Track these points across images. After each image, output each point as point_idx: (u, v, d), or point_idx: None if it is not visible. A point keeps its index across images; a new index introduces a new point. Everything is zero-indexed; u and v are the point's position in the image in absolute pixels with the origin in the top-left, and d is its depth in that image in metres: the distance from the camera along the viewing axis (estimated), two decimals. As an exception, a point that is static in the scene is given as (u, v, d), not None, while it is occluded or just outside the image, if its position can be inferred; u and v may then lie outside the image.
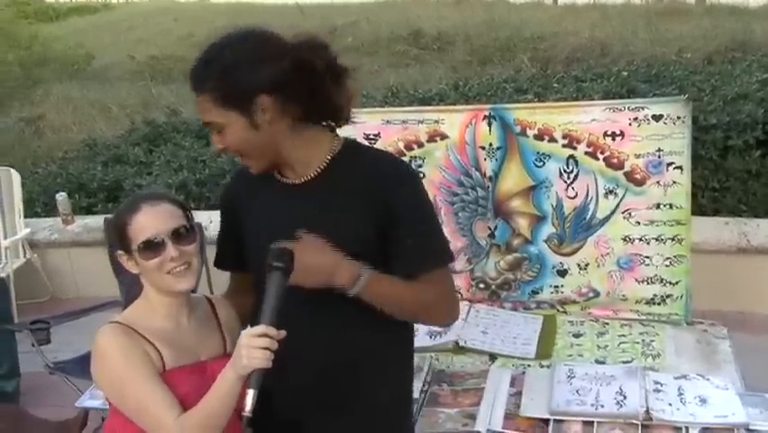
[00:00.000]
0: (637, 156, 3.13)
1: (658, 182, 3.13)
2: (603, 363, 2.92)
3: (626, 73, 6.90)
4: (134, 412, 1.86)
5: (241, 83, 1.83)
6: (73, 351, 3.94)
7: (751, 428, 2.41)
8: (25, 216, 5.83)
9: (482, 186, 3.31)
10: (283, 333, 1.72)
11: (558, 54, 9.42)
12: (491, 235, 3.36)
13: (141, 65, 11.48)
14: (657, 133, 3.09)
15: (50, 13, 17.94)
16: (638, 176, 3.15)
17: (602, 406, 2.55)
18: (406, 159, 3.31)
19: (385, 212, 1.89)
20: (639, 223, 3.19)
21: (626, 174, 3.16)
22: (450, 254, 2.04)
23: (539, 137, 3.20)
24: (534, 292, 3.37)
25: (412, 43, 10.75)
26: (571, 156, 3.19)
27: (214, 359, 1.92)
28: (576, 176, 3.21)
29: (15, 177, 5.71)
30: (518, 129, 3.21)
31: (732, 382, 2.69)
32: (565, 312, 3.33)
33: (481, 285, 3.42)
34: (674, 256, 3.19)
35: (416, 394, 2.61)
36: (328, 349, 1.94)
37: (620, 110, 3.12)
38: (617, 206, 3.20)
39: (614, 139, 3.14)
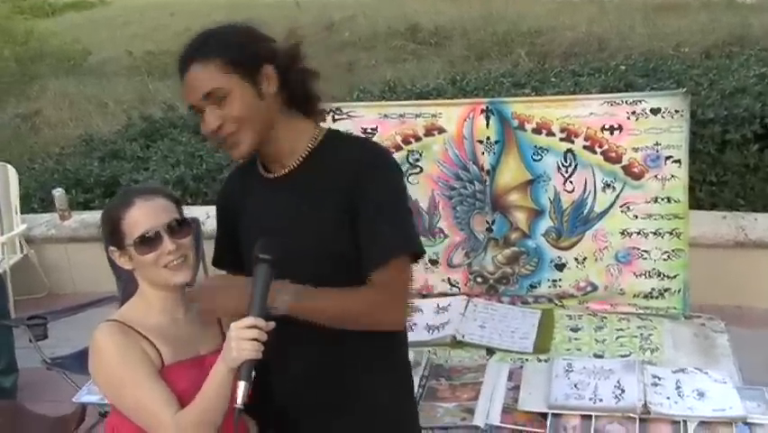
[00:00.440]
0: (635, 150, 3.12)
1: (656, 176, 3.13)
2: (601, 357, 2.92)
3: (623, 67, 6.89)
4: (132, 411, 1.86)
5: (247, 49, 1.86)
6: (70, 346, 3.93)
7: (749, 421, 2.41)
8: (22, 212, 5.83)
9: (480, 180, 3.31)
10: (272, 324, 1.72)
11: (555, 49, 9.39)
12: (489, 229, 3.36)
13: (138, 60, 11.45)
14: (655, 126, 3.08)
15: (47, 9, 17.87)
16: (636, 170, 3.14)
17: (600, 400, 2.55)
18: (403, 153, 3.32)
19: (354, 198, 1.87)
20: (637, 217, 3.19)
21: (624, 168, 3.16)
22: (412, 250, 1.95)
23: (537, 131, 3.20)
24: (532, 286, 3.37)
25: (409, 38, 10.72)
26: (569, 150, 3.19)
27: (213, 352, 1.91)
28: (574, 170, 3.21)
29: (12, 173, 5.71)
30: (516, 123, 3.21)
31: (730, 375, 2.69)
32: (563, 306, 3.33)
33: (479, 279, 3.42)
34: (672, 250, 3.19)
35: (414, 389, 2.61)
36: (319, 350, 1.94)
37: (618, 104, 3.12)
38: (615, 199, 3.20)
39: (612, 133, 3.13)
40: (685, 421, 2.43)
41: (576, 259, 3.30)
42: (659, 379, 2.65)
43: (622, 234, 3.23)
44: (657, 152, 3.10)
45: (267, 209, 1.96)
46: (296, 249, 1.85)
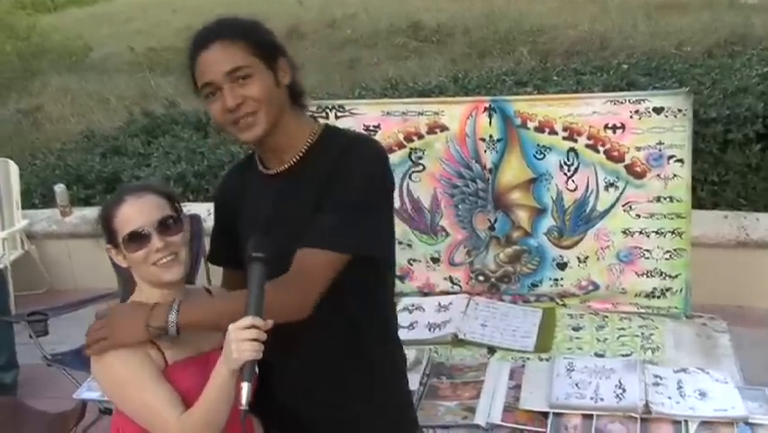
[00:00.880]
0: (638, 149, 3.11)
1: (658, 175, 3.12)
2: (602, 356, 2.92)
3: (625, 66, 6.88)
4: (137, 414, 1.86)
5: (269, 39, 1.92)
6: (71, 343, 3.93)
7: (750, 421, 2.41)
8: (23, 208, 5.83)
9: (482, 178, 3.30)
10: (270, 322, 1.70)
11: (557, 47, 9.39)
12: (491, 228, 3.35)
13: (140, 56, 11.45)
14: (658, 125, 3.07)
15: (49, 4, 17.86)
16: (639, 169, 3.14)
17: (601, 399, 2.54)
18: (406, 151, 3.32)
19: (328, 187, 1.86)
20: (639, 216, 3.18)
21: (626, 167, 3.15)
22: (347, 245, 1.83)
23: (539, 129, 3.19)
24: (534, 285, 3.36)
25: (411, 36, 10.71)
26: (572, 149, 3.18)
27: (216, 349, 1.88)
28: (576, 168, 3.20)
29: (13, 168, 5.71)
30: (519, 121, 3.20)
31: (731, 375, 2.69)
32: (565, 305, 3.33)
33: (481, 278, 3.42)
34: (674, 249, 3.19)
35: (415, 387, 2.61)
36: (317, 349, 1.94)
37: (621, 103, 3.11)
38: (618, 198, 3.19)
39: (614, 132, 3.13)
40: (686, 421, 2.43)
41: (578, 258, 3.29)
42: (660, 379, 2.64)
43: (624, 233, 3.22)
44: (660, 151, 3.10)
45: (265, 205, 1.96)
46: (292, 245, 1.84)
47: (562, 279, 3.33)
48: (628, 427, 2.44)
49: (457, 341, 3.07)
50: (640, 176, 3.14)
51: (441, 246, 3.43)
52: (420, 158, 3.34)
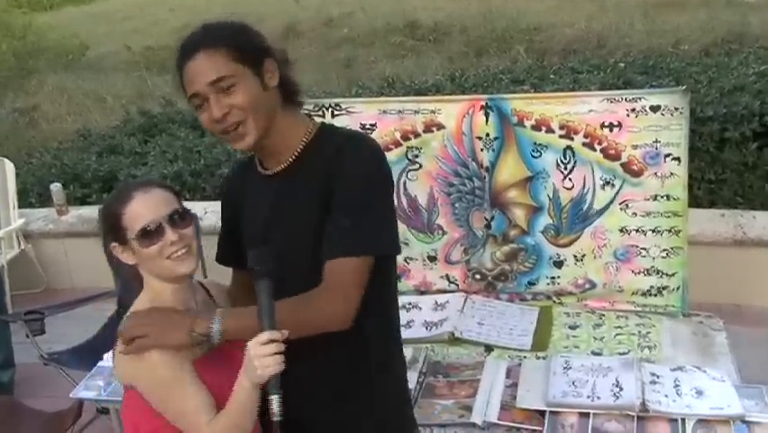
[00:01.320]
0: (635, 147, 3.12)
1: (655, 173, 3.12)
2: (599, 354, 2.92)
3: (622, 65, 6.88)
4: (172, 414, 1.85)
5: (254, 43, 1.89)
6: (68, 342, 3.93)
7: (747, 419, 2.41)
8: (19, 207, 5.81)
9: (479, 176, 3.30)
10: (286, 332, 1.73)
11: (554, 45, 9.40)
12: (488, 226, 3.35)
13: (137, 55, 11.43)
14: (655, 124, 3.08)
15: (45, 3, 17.83)
16: (635, 167, 3.14)
17: (598, 398, 2.54)
18: (402, 149, 3.32)
19: (330, 188, 1.85)
20: (636, 214, 3.19)
21: (623, 165, 3.15)
22: (371, 247, 1.86)
23: (536, 128, 3.19)
24: (531, 283, 3.36)
25: (408, 34, 10.71)
26: (569, 147, 3.18)
27: (231, 342, 1.87)
28: (573, 167, 3.20)
29: (9, 167, 5.69)
30: (515, 119, 3.20)
31: (728, 374, 2.69)
32: (561, 303, 3.33)
33: (477, 276, 3.42)
34: (671, 248, 3.19)
35: (411, 385, 2.61)
36: (315, 352, 1.91)
37: (618, 101, 3.11)
38: (614, 197, 3.19)
39: (611, 130, 3.13)
40: (683, 419, 2.44)
41: (575, 256, 3.29)
42: (657, 377, 2.64)
43: (621, 231, 3.22)
44: (656, 149, 3.10)
45: (263, 207, 1.96)
46: (291, 245, 1.86)
47: (558, 277, 3.33)
48: (625, 425, 2.44)
49: (454, 339, 3.06)
50: (637, 174, 3.14)
51: (438, 245, 3.43)
52: (417, 156, 3.34)
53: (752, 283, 4.67)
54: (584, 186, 3.21)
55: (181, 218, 1.90)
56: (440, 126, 3.29)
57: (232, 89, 1.83)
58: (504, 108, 3.20)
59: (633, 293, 3.26)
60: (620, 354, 2.91)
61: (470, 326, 3.15)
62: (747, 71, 6.04)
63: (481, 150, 3.26)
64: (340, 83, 8.36)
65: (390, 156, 3.20)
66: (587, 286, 3.31)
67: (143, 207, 1.87)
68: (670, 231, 3.18)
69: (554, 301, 3.35)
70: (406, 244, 3.42)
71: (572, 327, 3.14)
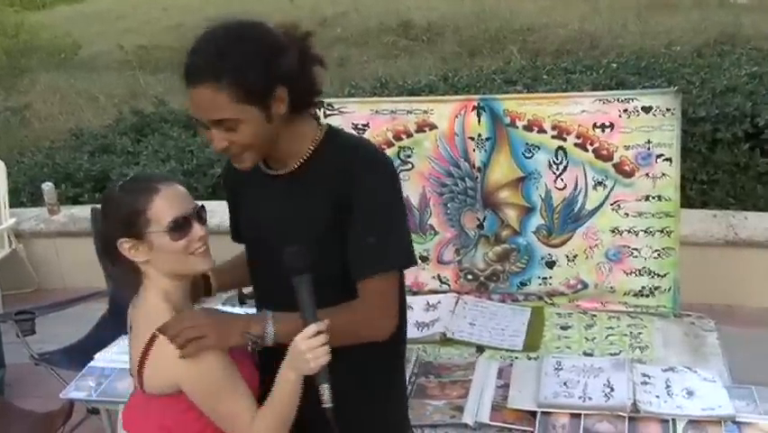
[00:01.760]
0: (626, 148, 3.12)
1: (647, 174, 3.12)
2: (591, 355, 2.92)
3: (615, 65, 6.89)
4: (221, 415, 1.84)
5: (261, 76, 1.76)
6: (58, 342, 3.91)
7: (737, 420, 2.41)
8: (11, 206, 5.79)
9: (471, 177, 3.30)
10: (327, 321, 1.76)
11: (548, 46, 9.42)
12: (480, 226, 3.35)
13: (129, 54, 11.41)
14: (647, 124, 3.08)
15: (37, 1, 17.80)
16: (627, 168, 3.14)
17: (590, 398, 2.54)
18: (394, 149, 3.31)
19: (346, 202, 1.85)
20: (628, 215, 3.19)
21: (615, 166, 3.15)
22: (401, 260, 1.92)
23: (528, 128, 3.19)
24: (523, 284, 3.36)
25: (401, 34, 10.73)
26: (561, 147, 3.18)
27: None
28: (565, 167, 3.20)
29: (1, 166, 5.67)
30: (508, 120, 3.20)
31: (719, 374, 2.69)
32: (553, 304, 3.33)
33: (469, 276, 3.42)
34: (663, 248, 3.19)
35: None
36: None
37: (610, 102, 3.11)
38: (606, 197, 3.19)
39: (603, 130, 3.13)
40: (674, 420, 2.43)
41: (567, 256, 3.29)
42: (648, 377, 2.65)
43: (613, 231, 3.22)
44: (648, 150, 3.10)
45: (269, 204, 1.96)
46: (305, 243, 1.83)
47: (550, 277, 3.33)
48: (616, 426, 2.44)
49: (445, 340, 3.06)
50: (629, 175, 3.14)
51: (429, 245, 3.43)
52: (409, 156, 3.33)
53: (743, 284, 4.69)
54: (576, 186, 3.21)
55: (204, 214, 1.91)
56: (432, 126, 3.28)
57: (233, 129, 1.78)
58: (496, 109, 3.20)
59: (625, 294, 3.26)
60: (612, 354, 2.91)
61: (462, 326, 3.15)
62: (739, 72, 6.07)
63: (473, 150, 3.26)
64: (333, 83, 8.35)
65: (382, 156, 3.19)
66: (579, 286, 3.31)
67: (172, 200, 1.84)
68: (662, 231, 3.18)
69: (546, 302, 3.35)
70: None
71: (564, 328, 3.14)
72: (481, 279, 3.41)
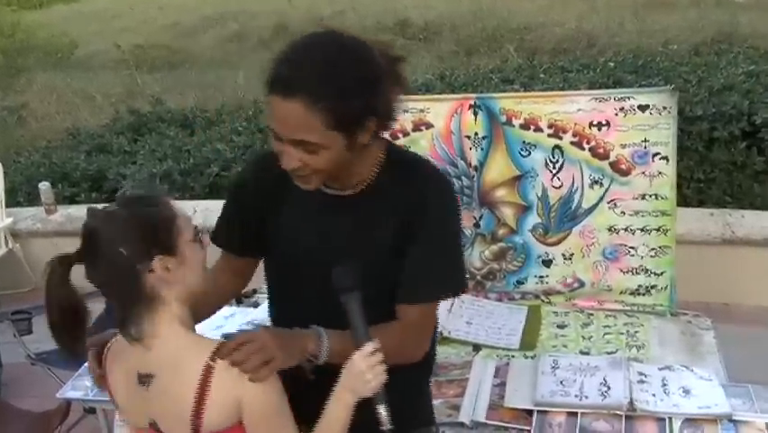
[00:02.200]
0: (623, 146, 3.12)
1: (644, 173, 3.12)
2: (587, 353, 2.91)
3: (612, 64, 6.89)
4: None
5: (359, 107, 1.66)
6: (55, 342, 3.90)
7: (734, 418, 2.41)
8: (7, 206, 5.80)
9: (468, 175, 3.30)
10: (377, 341, 1.72)
11: (544, 45, 9.43)
12: (476, 225, 3.35)
13: (126, 54, 11.40)
14: (643, 123, 3.08)
15: (34, 1, 17.79)
16: (624, 166, 3.14)
17: (586, 397, 2.54)
18: (390, 148, 3.30)
19: (411, 230, 1.81)
20: (624, 213, 3.19)
21: (611, 164, 3.15)
22: (458, 286, 1.91)
23: (525, 127, 3.19)
24: (519, 282, 3.36)
25: (398, 33, 10.73)
26: (557, 146, 3.18)
27: None
28: (561, 166, 3.20)
29: (-3, 166, 5.67)
30: (504, 118, 3.20)
31: (716, 373, 2.69)
32: (550, 303, 3.32)
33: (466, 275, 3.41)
34: (659, 247, 3.19)
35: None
36: None
37: (606, 100, 3.11)
38: (603, 196, 3.19)
39: (600, 129, 3.13)
40: (671, 419, 2.43)
41: (563, 255, 3.29)
42: (645, 376, 2.64)
43: (609, 230, 3.22)
44: (645, 148, 3.10)
45: (322, 225, 1.88)
46: (365, 268, 1.76)
47: (547, 276, 3.33)
48: (613, 424, 2.44)
49: (442, 339, 3.05)
50: (625, 173, 3.14)
51: (426, 244, 3.42)
52: (405, 155, 3.33)
53: (740, 282, 4.69)
54: (573, 185, 3.21)
55: None
56: (429, 125, 3.28)
57: (315, 152, 1.68)
58: (492, 107, 3.20)
59: (621, 292, 3.26)
60: (608, 353, 2.90)
61: (459, 325, 3.14)
62: (736, 71, 6.07)
63: (470, 149, 3.26)
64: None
65: (379, 155, 3.19)
66: (575, 285, 3.31)
67: (182, 210, 1.73)
68: (658, 230, 3.18)
69: (543, 300, 3.34)
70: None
71: (561, 327, 3.14)
72: (478, 277, 3.41)
